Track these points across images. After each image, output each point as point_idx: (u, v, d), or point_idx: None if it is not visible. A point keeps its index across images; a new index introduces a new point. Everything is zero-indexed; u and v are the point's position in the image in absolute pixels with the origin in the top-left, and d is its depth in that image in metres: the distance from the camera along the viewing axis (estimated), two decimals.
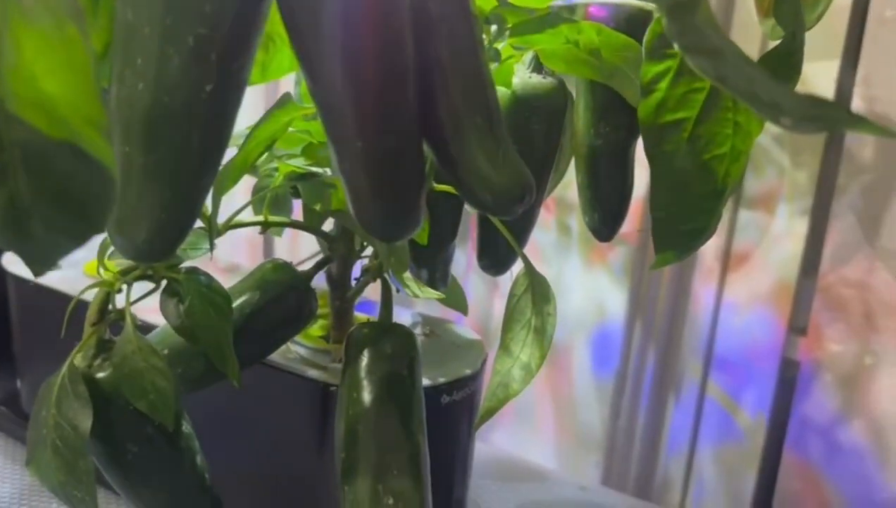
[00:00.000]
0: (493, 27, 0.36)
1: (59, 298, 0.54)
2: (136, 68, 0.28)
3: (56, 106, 0.21)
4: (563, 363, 0.76)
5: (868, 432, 0.66)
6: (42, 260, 0.24)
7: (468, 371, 0.46)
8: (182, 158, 0.29)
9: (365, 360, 0.39)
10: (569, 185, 0.73)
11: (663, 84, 0.33)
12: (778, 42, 0.39)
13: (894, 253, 0.63)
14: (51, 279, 0.55)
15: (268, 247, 0.91)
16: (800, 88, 0.65)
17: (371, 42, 0.28)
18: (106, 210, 0.23)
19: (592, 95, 0.44)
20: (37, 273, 0.25)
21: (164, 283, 0.35)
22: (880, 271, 0.64)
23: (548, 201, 0.72)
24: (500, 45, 0.37)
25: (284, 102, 0.34)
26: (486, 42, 0.37)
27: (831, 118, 0.24)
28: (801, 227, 0.67)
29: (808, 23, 0.47)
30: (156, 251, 0.30)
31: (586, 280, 0.74)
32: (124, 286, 0.35)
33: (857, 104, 0.64)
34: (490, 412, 0.40)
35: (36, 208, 0.23)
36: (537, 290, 0.42)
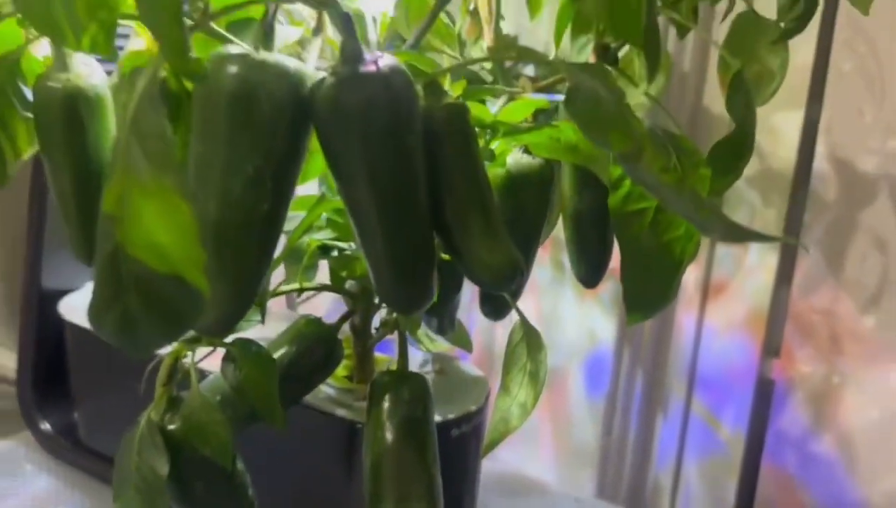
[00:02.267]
0: (489, 133, 0.43)
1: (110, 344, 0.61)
2: (207, 190, 0.35)
3: (165, 250, 0.28)
4: (560, 386, 0.84)
5: (837, 444, 0.73)
6: (142, 351, 0.32)
7: (473, 407, 0.53)
8: (243, 260, 0.36)
9: (386, 404, 0.46)
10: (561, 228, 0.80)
11: (627, 181, 0.40)
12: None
13: (857, 284, 0.71)
14: None
15: None
16: (768, 137, 0.72)
17: (390, 166, 0.36)
18: (195, 318, 0.30)
19: (575, 168, 0.52)
20: (135, 358, 0.33)
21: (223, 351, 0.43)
22: (844, 300, 0.72)
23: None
24: (494, 145, 0.44)
25: (321, 199, 0.42)
26: (483, 144, 0.44)
27: (739, 233, 0.32)
28: (772, 260, 0.74)
29: (764, 98, 0.54)
30: (220, 331, 0.38)
31: (579, 311, 0.81)
32: (189, 352, 0.43)
33: (820, 150, 0.71)
34: (492, 445, 0.48)
35: (142, 319, 0.30)
36: (531, 340, 0.49)
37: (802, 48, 0.68)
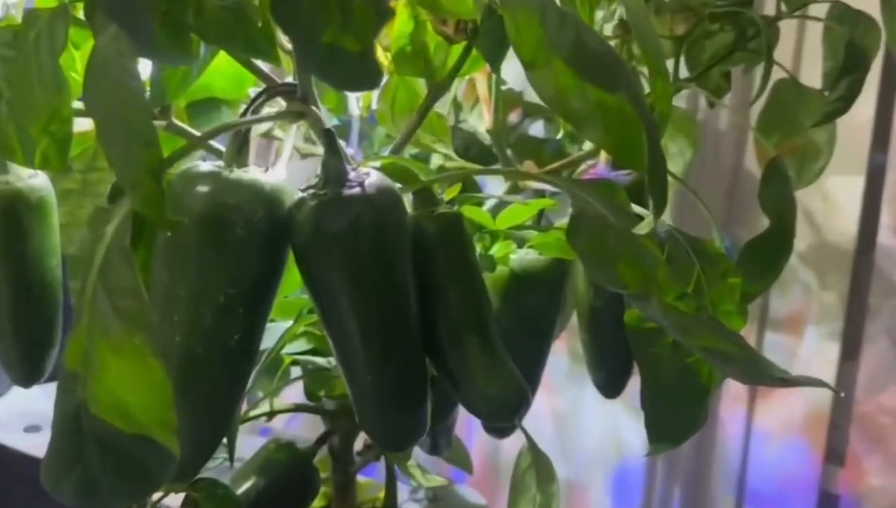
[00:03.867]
0: (487, 236, 0.49)
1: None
2: (172, 322, 0.39)
3: (132, 411, 0.33)
4: (582, 500, 0.88)
5: None
6: None
7: None
8: (213, 398, 0.41)
9: None
10: None
11: None
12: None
13: None
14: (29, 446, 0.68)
15: None
16: (824, 206, 0.78)
17: (376, 292, 0.40)
18: (161, 477, 0.35)
19: None
20: None
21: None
22: None
23: None
24: (494, 249, 0.50)
25: (298, 318, 0.47)
26: (481, 249, 0.49)
27: (765, 374, 0.36)
28: (832, 351, 0.79)
29: (808, 178, 0.60)
30: (185, 479, 0.42)
31: (602, 411, 0.86)
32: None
33: (885, 220, 0.77)
34: None
35: (104, 480, 0.35)
36: (541, 468, 0.54)
37: (862, 102, 0.74)
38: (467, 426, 0.76)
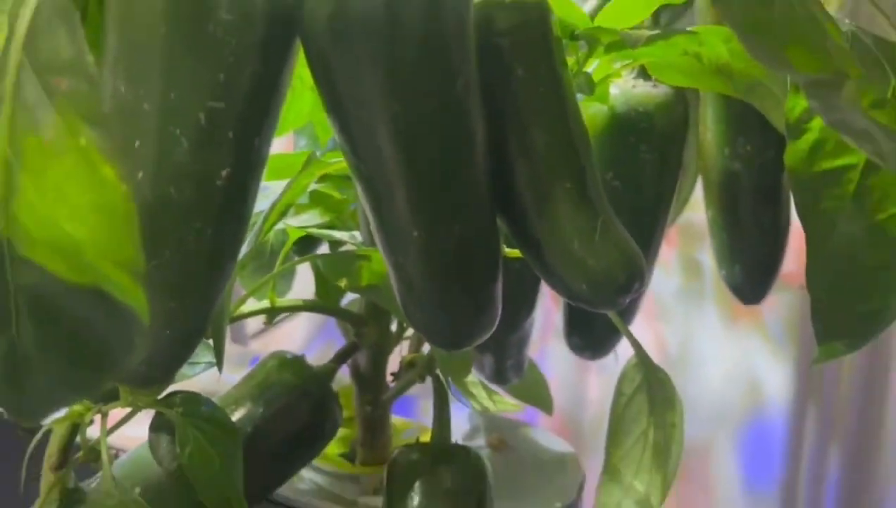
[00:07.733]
0: (583, 46, 0.46)
1: None
2: (133, 154, 0.37)
3: (80, 249, 0.30)
4: (698, 471, 0.86)
5: None
6: (33, 413, 0.34)
7: (558, 505, 0.56)
8: (192, 261, 0.39)
9: (416, 501, 0.48)
10: (696, 204, 0.82)
11: (816, 123, 0.42)
12: None
13: None
14: None
15: None
16: None
17: (431, 112, 0.38)
18: (123, 359, 0.33)
19: (726, 103, 0.54)
20: (25, 425, 0.35)
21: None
22: None
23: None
24: (590, 67, 0.47)
25: (309, 163, 0.45)
26: (573, 65, 0.47)
27: None
28: None
29: None
30: (155, 374, 0.40)
31: (729, 347, 0.83)
32: (97, 416, 0.45)
33: None
34: None
35: (38, 360, 0.33)
36: (656, 390, 0.51)
37: None
38: (542, 357, 0.73)
